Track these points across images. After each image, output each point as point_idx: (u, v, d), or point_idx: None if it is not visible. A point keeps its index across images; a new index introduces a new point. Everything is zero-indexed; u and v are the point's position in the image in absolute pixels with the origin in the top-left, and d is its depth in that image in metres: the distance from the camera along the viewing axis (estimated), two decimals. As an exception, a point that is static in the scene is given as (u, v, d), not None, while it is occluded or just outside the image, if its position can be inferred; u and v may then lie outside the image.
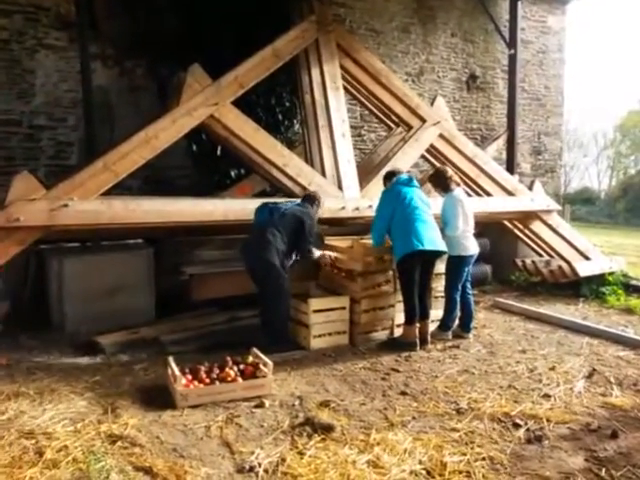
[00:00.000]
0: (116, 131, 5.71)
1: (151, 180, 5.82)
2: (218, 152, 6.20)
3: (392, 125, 6.74)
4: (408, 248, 4.15)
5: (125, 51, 5.98)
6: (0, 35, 5.41)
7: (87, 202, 4.07)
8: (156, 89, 6.15)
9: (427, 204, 4.42)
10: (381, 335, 4.55)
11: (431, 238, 4.22)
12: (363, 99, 6.58)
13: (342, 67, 5.66)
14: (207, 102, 4.71)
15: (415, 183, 4.45)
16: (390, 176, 4.56)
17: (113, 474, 2.46)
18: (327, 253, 4.58)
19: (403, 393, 3.44)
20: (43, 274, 4.95)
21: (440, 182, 4.65)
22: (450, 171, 4.79)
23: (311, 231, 4.39)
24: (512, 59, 7.95)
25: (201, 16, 5.92)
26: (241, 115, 4.92)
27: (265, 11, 5.82)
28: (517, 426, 2.97)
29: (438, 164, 6.21)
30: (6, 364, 3.86)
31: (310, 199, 4.59)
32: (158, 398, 3.34)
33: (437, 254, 4.32)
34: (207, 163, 6.29)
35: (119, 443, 2.76)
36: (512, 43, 7.92)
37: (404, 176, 4.50)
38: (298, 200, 4.60)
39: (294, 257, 4.43)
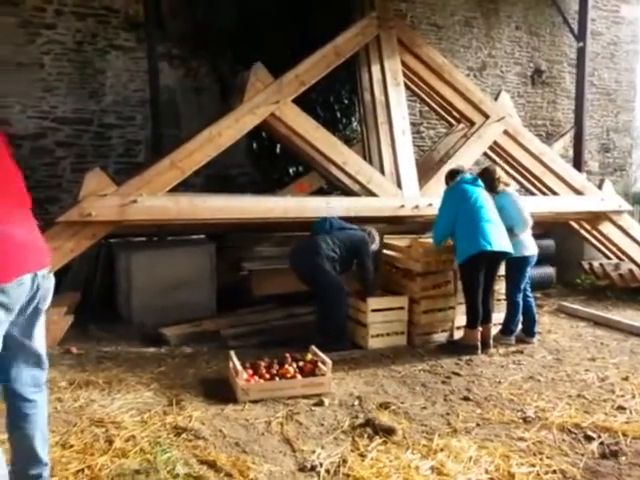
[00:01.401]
0: (181, 130, 5.86)
1: (213, 178, 5.94)
2: (277, 150, 6.27)
3: (453, 122, 6.58)
4: (475, 249, 4.03)
5: (189, 51, 6.13)
6: (74, 37, 5.67)
7: (155, 198, 4.20)
8: (218, 88, 6.28)
9: (492, 204, 4.28)
10: (440, 337, 4.45)
11: (499, 238, 4.09)
12: (423, 95, 6.45)
13: (403, 63, 5.56)
14: (269, 100, 4.75)
15: (480, 183, 4.32)
16: (453, 174, 4.44)
17: (179, 466, 2.52)
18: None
19: (466, 398, 3.34)
20: (112, 267, 5.16)
21: (487, 182, 4.48)
22: (499, 172, 4.61)
23: (369, 263, 4.37)
24: (581, 52, 7.54)
25: (261, 14, 5.98)
26: (302, 113, 4.94)
27: (326, 7, 5.80)
28: (589, 439, 2.82)
29: (500, 161, 6.02)
30: (76, 353, 4.05)
31: (365, 231, 4.54)
32: (220, 391, 3.41)
33: (503, 255, 4.18)
34: (266, 161, 6.37)
35: (184, 435, 2.83)
36: (581, 35, 7.51)
37: (468, 175, 4.37)
38: (354, 226, 4.57)
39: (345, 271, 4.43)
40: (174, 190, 4.43)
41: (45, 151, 5.66)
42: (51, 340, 3.98)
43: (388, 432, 2.82)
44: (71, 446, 2.68)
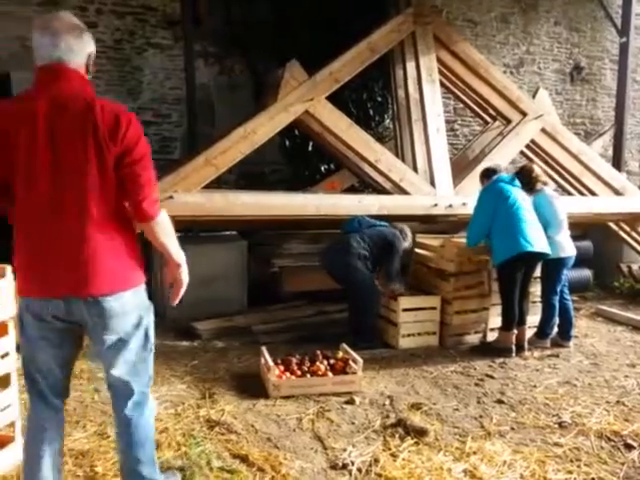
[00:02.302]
0: (216, 127, 5.93)
1: (245, 175, 6.00)
2: (309, 148, 6.28)
3: (488, 119, 6.47)
4: (514, 250, 3.95)
5: (225, 49, 6.19)
6: (114, 35, 5.79)
7: (190, 195, 4.27)
8: (253, 86, 6.33)
9: (530, 204, 4.19)
10: (473, 339, 4.39)
11: (538, 239, 4.00)
12: (458, 92, 6.36)
13: (438, 59, 5.49)
14: (303, 98, 4.76)
15: (517, 182, 4.22)
16: (490, 173, 4.35)
17: (210, 459, 2.56)
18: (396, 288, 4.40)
19: (499, 401, 3.29)
20: (148, 262, 5.25)
21: (525, 181, 4.37)
22: (537, 170, 4.49)
23: (397, 259, 4.32)
24: (623, 48, 7.29)
25: (296, 11, 5.99)
26: (335, 110, 4.93)
27: (361, 4, 5.77)
28: (629, 447, 2.74)
29: (537, 160, 5.89)
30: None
31: (397, 228, 4.50)
32: (251, 386, 3.45)
33: (541, 257, 4.09)
34: (299, 158, 6.39)
35: (216, 429, 2.87)
36: (624, 30, 7.25)
37: (505, 174, 4.28)
38: (385, 223, 4.54)
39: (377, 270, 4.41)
40: (208, 187, 4.48)
41: (84, 147, 5.80)
42: (89, 331, 4.09)
43: (420, 433, 2.80)
44: (108, 436, 2.75)
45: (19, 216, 1.78)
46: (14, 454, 2.44)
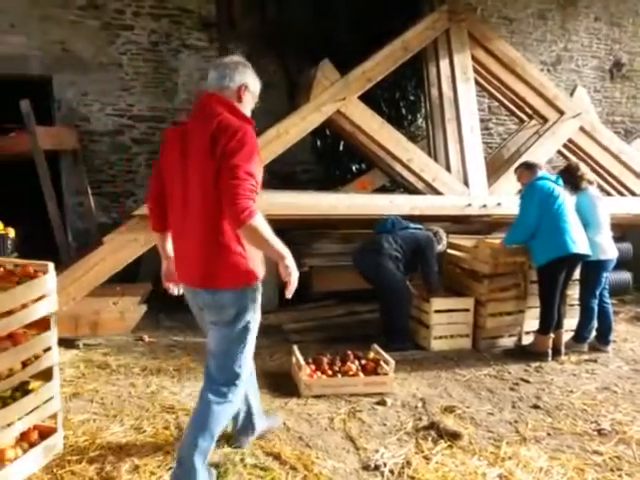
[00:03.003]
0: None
1: (277, 175, 6.02)
2: (340, 147, 6.27)
3: (524, 118, 6.33)
4: (560, 251, 3.84)
5: (259, 49, 6.23)
6: (150, 38, 5.90)
7: (223, 194, 4.31)
8: (286, 86, 6.36)
9: (572, 204, 4.08)
10: (507, 342, 4.30)
11: (582, 240, 3.90)
12: (493, 90, 6.24)
13: (473, 57, 5.41)
14: (335, 97, 4.75)
15: (560, 182, 4.12)
16: (532, 168, 4.19)
17: (243, 456, 2.58)
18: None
19: (535, 406, 3.22)
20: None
21: (571, 179, 4.25)
22: (582, 168, 4.37)
23: (433, 264, 4.29)
24: (668, 43, 7.07)
25: (331, 11, 5.99)
26: (367, 110, 4.91)
27: (395, 2, 5.74)
28: (673, 458, 2.65)
29: (575, 160, 5.74)
30: (148, 341, 4.24)
31: (432, 231, 4.45)
32: (283, 385, 3.47)
33: (583, 258, 3.98)
34: (330, 158, 6.39)
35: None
36: (669, 24, 7.04)
37: (547, 173, 4.17)
38: (420, 225, 4.49)
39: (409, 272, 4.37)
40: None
41: (122, 147, 5.94)
42: (125, 328, 4.20)
43: (454, 436, 2.77)
44: (144, 431, 2.81)
45: (169, 218, 2.26)
46: (57, 444, 2.52)
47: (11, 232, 4.20)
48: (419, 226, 4.47)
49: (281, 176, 6.06)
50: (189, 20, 5.99)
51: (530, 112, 5.97)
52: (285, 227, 5.31)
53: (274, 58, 6.29)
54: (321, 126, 5.04)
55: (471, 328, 4.27)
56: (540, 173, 4.13)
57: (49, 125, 5.51)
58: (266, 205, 4.44)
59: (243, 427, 2.63)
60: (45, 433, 2.49)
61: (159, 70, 5.98)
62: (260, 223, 1.99)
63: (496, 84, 5.90)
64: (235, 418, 2.58)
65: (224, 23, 5.25)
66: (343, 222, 5.06)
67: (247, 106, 2.23)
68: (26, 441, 2.40)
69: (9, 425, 2.26)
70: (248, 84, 2.21)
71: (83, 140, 5.70)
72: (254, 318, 2.28)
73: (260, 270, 2.22)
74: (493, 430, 2.91)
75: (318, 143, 6.31)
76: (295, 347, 3.66)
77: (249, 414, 2.61)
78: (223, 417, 2.24)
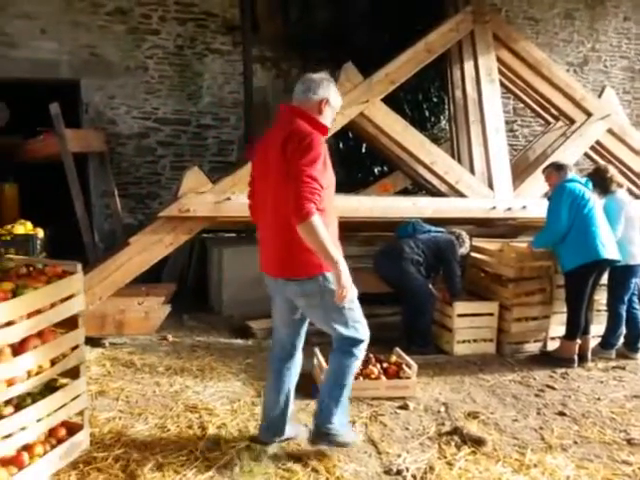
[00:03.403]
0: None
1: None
2: (363, 150, 6.26)
3: (550, 119, 6.24)
4: (590, 256, 3.77)
5: (282, 53, 6.28)
6: (175, 42, 5.99)
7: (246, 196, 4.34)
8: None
9: (601, 208, 4.00)
10: (532, 347, 4.23)
11: (613, 245, 3.82)
12: (518, 91, 6.17)
13: (498, 58, 5.35)
14: (358, 100, 4.74)
15: (590, 185, 4.04)
16: (562, 169, 4.09)
17: (265, 457, 2.59)
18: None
19: (561, 413, 3.16)
20: (204, 261, 5.42)
21: (600, 182, 4.15)
22: (612, 170, 4.27)
23: (456, 269, 4.24)
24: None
25: (354, 14, 6.00)
26: (391, 112, 4.89)
27: (419, 4, 5.71)
28: None
29: (603, 162, 5.62)
30: (172, 341, 4.29)
31: (454, 234, 4.40)
32: (304, 386, 3.40)
33: (613, 264, 3.90)
34: (352, 160, 6.39)
35: (271, 427, 2.90)
36: (702, 23, 6.86)
37: (577, 176, 4.10)
38: (442, 229, 4.45)
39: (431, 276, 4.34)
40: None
41: (147, 150, 6.04)
42: (150, 328, 4.26)
43: (477, 442, 2.73)
44: (168, 430, 2.84)
45: (256, 211, 2.56)
46: (84, 441, 2.56)
47: (40, 232, 4.31)
48: (441, 229, 4.43)
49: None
50: (214, 24, 6.07)
51: (556, 114, 5.88)
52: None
53: (296, 61, 6.33)
54: (343, 129, 5.05)
55: (495, 333, 4.21)
56: (570, 175, 4.06)
57: (77, 128, 5.63)
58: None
59: (273, 424, 2.68)
60: (72, 430, 2.54)
61: (184, 74, 6.07)
62: (317, 224, 2.17)
63: (521, 85, 5.83)
64: (268, 413, 2.68)
65: (248, 26, 5.29)
66: (365, 225, 5.04)
67: (327, 119, 2.45)
68: (54, 437, 2.44)
69: (38, 421, 2.31)
70: (329, 98, 2.42)
71: (110, 143, 5.82)
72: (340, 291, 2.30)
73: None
74: (518, 437, 2.86)
75: (340, 145, 6.31)
76: (316, 349, 3.66)
77: (283, 415, 2.67)
78: (350, 370, 2.55)
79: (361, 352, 2.58)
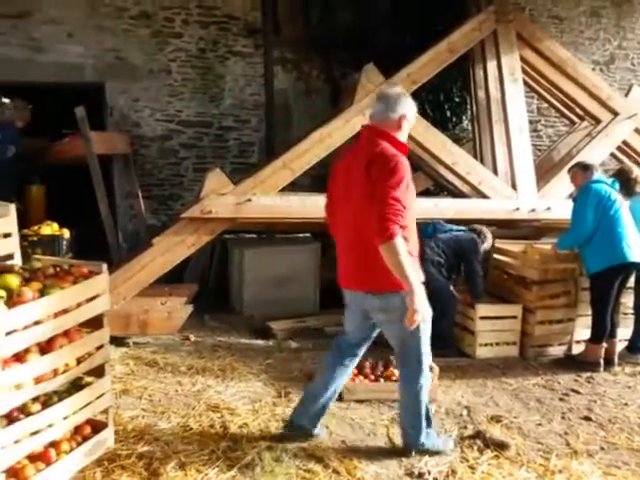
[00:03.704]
0: (293, 132, 6.04)
1: (319, 178, 6.04)
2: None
3: (575, 119, 6.13)
4: (617, 258, 3.70)
5: (303, 55, 6.30)
6: (198, 45, 6.05)
7: (268, 197, 4.37)
8: (329, 91, 6.39)
9: (627, 209, 3.91)
10: (557, 350, 4.16)
11: (638, 247, 3.74)
12: (542, 91, 6.08)
13: (521, 58, 5.28)
14: (379, 101, 4.73)
15: (617, 186, 3.96)
16: (588, 169, 4.03)
17: (286, 458, 2.60)
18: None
19: (586, 418, 3.10)
20: (226, 262, 5.46)
21: (624, 183, 4.06)
22: (636, 171, 4.18)
23: (477, 268, 4.20)
24: None
25: (375, 15, 5.99)
26: (412, 113, 4.86)
27: (440, 3, 5.67)
28: None
29: (629, 163, 5.50)
30: (194, 341, 4.33)
31: (475, 231, 4.36)
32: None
33: (638, 266, 3.81)
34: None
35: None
36: None
37: (604, 176, 4.02)
38: (463, 227, 4.41)
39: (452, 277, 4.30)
40: (283, 190, 4.57)
41: (170, 152, 6.11)
42: (173, 328, 4.31)
43: (501, 447, 2.70)
44: (190, 429, 2.87)
45: (334, 226, 2.65)
46: (108, 438, 2.60)
47: (66, 233, 4.39)
48: (462, 228, 4.39)
49: (323, 180, 6.07)
50: (235, 27, 6.10)
51: (582, 113, 5.77)
52: (327, 230, 5.36)
53: (317, 63, 6.34)
54: (364, 130, 5.03)
55: (518, 336, 4.15)
56: (596, 175, 3.98)
57: (102, 130, 5.73)
58: (309, 208, 4.48)
59: (310, 415, 2.75)
60: (97, 428, 2.58)
61: (206, 76, 6.12)
62: (398, 246, 2.26)
63: (546, 85, 5.74)
64: (308, 405, 2.76)
65: (269, 29, 5.32)
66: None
67: (404, 133, 2.54)
68: (80, 435, 2.49)
69: (64, 419, 2.35)
70: (407, 114, 2.51)
71: (134, 145, 5.90)
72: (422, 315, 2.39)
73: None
74: (542, 441, 2.82)
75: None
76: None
77: (323, 408, 2.75)
78: (421, 389, 2.57)
79: (427, 367, 2.61)
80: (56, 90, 5.80)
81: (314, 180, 6.08)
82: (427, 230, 4.35)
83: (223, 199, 4.22)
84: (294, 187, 5.03)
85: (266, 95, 5.38)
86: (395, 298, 2.40)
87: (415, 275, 2.33)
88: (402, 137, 2.51)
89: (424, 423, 2.61)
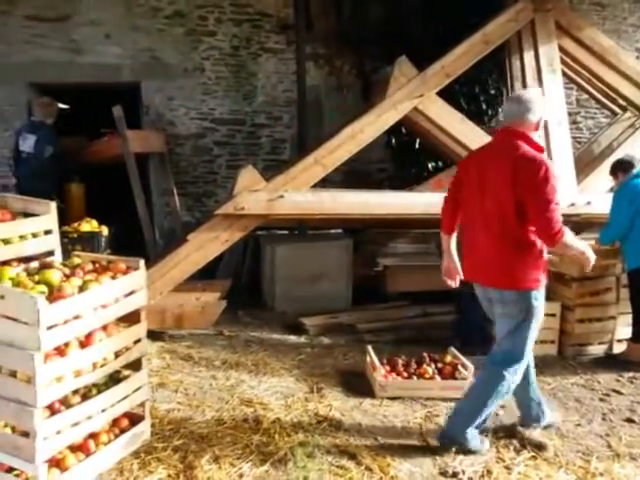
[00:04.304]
0: (324, 128, 6.03)
1: (351, 174, 6.03)
2: (416, 145, 6.15)
3: (617, 110, 5.90)
4: None
5: (334, 50, 6.27)
6: (231, 42, 6.10)
7: (299, 194, 4.38)
8: (360, 86, 6.35)
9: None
10: (597, 349, 4.04)
11: None
12: (582, 82, 5.87)
13: (560, 48, 5.11)
14: (412, 95, 4.66)
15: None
16: (626, 166, 3.93)
17: (319, 453, 2.61)
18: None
19: (629, 420, 3.00)
20: (258, 258, 5.51)
21: None
22: None
23: None
24: None
25: (408, 9, 5.90)
26: (446, 106, 4.78)
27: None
28: None
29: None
30: (228, 335, 4.39)
31: None
32: (357, 384, 3.46)
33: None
34: (405, 156, 6.29)
35: (324, 424, 2.91)
36: None
37: None
38: None
39: None
40: (315, 186, 4.57)
41: (204, 150, 6.19)
42: (207, 322, 4.38)
43: (538, 447, 2.64)
44: (224, 422, 2.91)
45: (464, 221, 2.76)
46: (145, 431, 2.67)
47: (104, 230, 4.50)
48: None
49: (355, 175, 6.06)
50: (268, 24, 6.13)
51: (624, 104, 5.55)
52: (360, 226, 5.34)
53: (349, 57, 6.30)
54: (397, 124, 4.97)
55: (557, 334, 4.04)
56: (635, 170, 3.84)
57: (138, 129, 5.85)
58: (341, 205, 4.48)
59: (530, 412, 2.82)
60: (134, 420, 2.64)
61: (239, 74, 6.16)
62: (570, 238, 2.49)
63: (586, 75, 5.54)
64: (524, 404, 2.84)
65: (301, 25, 5.31)
66: (418, 222, 4.96)
67: (539, 133, 2.64)
68: (117, 427, 2.56)
69: (103, 411, 2.42)
70: (543, 115, 2.59)
71: (169, 143, 6.00)
72: (535, 316, 2.57)
73: (543, 278, 2.57)
74: (582, 443, 2.75)
75: (393, 141, 6.23)
76: (369, 347, 3.64)
77: (539, 404, 2.82)
78: (492, 388, 2.59)
79: (513, 375, 2.61)
80: (94, 90, 5.95)
81: (345, 176, 6.07)
82: None
83: (255, 196, 4.24)
84: (325, 183, 5.03)
85: (298, 91, 5.38)
86: (518, 296, 2.53)
87: (583, 243, 2.61)
88: (537, 138, 2.59)
89: (478, 421, 2.63)
